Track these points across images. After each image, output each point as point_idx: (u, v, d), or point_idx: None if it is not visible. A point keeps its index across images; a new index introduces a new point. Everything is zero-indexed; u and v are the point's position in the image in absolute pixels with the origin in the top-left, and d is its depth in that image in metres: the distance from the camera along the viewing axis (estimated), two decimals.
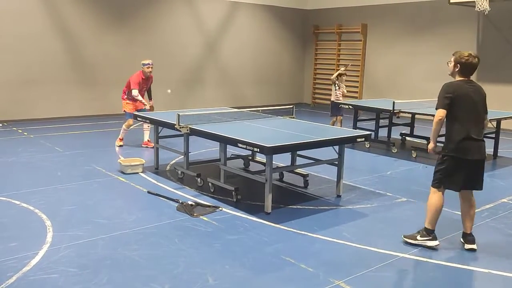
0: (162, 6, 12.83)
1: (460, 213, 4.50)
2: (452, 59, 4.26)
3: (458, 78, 4.27)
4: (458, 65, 4.21)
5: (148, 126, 8.66)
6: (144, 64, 8.45)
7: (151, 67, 8.46)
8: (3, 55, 10.59)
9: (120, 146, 8.62)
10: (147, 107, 8.45)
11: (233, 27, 14.37)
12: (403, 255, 4.23)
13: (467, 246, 4.39)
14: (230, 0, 14.16)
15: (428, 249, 4.34)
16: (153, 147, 8.32)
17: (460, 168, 4.20)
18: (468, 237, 4.42)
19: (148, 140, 8.72)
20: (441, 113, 4.17)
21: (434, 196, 4.36)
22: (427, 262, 4.13)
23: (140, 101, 8.40)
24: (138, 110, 8.43)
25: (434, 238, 4.38)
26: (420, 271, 4.02)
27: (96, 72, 11.93)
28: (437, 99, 4.25)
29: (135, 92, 8.30)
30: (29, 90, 11.05)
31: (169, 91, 10.47)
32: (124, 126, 8.63)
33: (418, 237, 4.41)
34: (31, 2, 10.85)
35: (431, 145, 4.37)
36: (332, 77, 9.94)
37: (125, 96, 8.53)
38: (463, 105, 4.16)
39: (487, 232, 4.83)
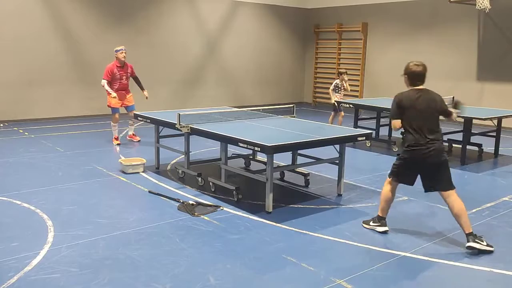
0: (163, 6, 12.83)
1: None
2: (403, 72, 4.55)
3: (409, 87, 4.54)
4: (406, 75, 4.52)
5: (133, 122, 8.95)
6: (117, 50, 8.48)
7: (125, 52, 8.47)
8: (3, 56, 10.60)
9: (118, 144, 8.66)
10: (113, 94, 8.36)
11: (233, 26, 14.37)
12: (404, 254, 4.23)
13: (466, 244, 4.32)
14: (230, 0, 14.15)
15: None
16: (138, 141, 8.93)
17: (407, 169, 4.54)
18: (467, 237, 4.35)
19: (133, 134, 9.01)
20: (395, 123, 4.52)
21: (386, 185, 4.74)
22: (428, 261, 4.13)
23: (107, 91, 8.38)
24: (127, 108, 8.74)
25: (384, 225, 4.74)
26: (421, 270, 4.01)
27: (96, 72, 11.88)
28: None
29: (102, 82, 8.38)
30: (30, 90, 11.06)
31: None
32: (112, 123, 8.69)
33: (371, 223, 4.81)
34: (31, 2, 10.85)
35: None
36: (330, 90, 10.28)
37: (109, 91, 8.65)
38: (412, 114, 4.41)
39: (488, 231, 4.82)
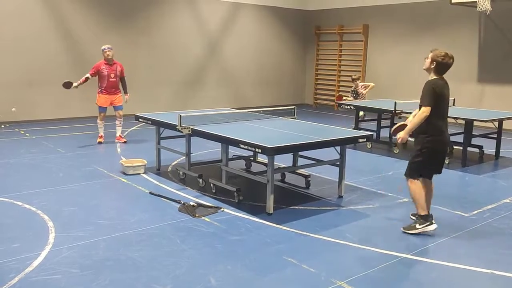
0: (164, 7, 12.84)
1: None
2: (430, 56, 4.52)
3: (432, 74, 4.54)
4: (435, 62, 4.47)
5: (120, 123, 9.00)
6: (103, 49, 8.67)
7: (109, 51, 8.62)
8: (4, 57, 10.61)
9: (100, 143, 8.78)
10: (75, 84, 8.52)
11: (235, 28, 14.38)
12: (405, 256, 4.23)
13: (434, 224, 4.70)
14: (231, 1, 14.16)
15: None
16: (125, 142, 8.98)
17: (435, 159, 4.63)
18: (431, 216, 4.75)
19: (120, 136, 9.07)
20: (428, 110, 4.43)
21: (415, 186, 4.67)
22: (429, 262, 4.13)
23: (79, 82, 8.58)
24: (115, 107, 8.85)
25: (432, 222, 4.66)
26: (422, 271, 4.01)
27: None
28: (423, 95, 4.50)
29: (86, 75, 8.63)
30: (31, 91, 11.07)
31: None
32: (98, 121, 8.84)
33: (417, 226, 4.66)
34: (32, 3, 10.87)
35: (405, 136, 4.62)
36: (349, 98, 10.50)
37: (99, 90, 8.76)
38: (442, 102, 4.50)
39: (489, 233, 4.82)
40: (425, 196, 4.74)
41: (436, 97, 4.45)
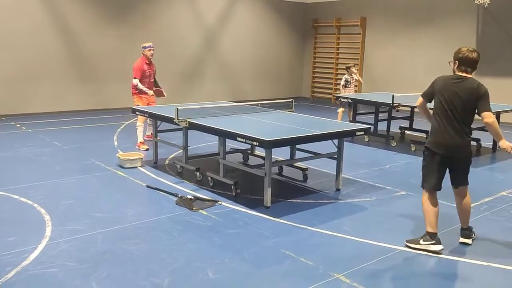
0: (161, 0, 12.77)
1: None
2: (452, 58, 4.21)
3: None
4: (457, 61, 4.16)
5: (152, 122, 8.11)
6: (145, 47, 7.92)
7: (153, 50, 7.93)
8: (1, 50, 10.54)
9: (147, 149, 7.73)
10: (150, 92, 7.84)
11: (232, 20, 14.32)
12: (402, 249, 4.24)
13: (460, 239, 4.41)
14: None
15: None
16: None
17: (435, 162, 4.28)
18: (462, 231, 4.43)
19: (151, 134, 8.15)
20: (419, 99, 4.38)
21: (423, 197, 4.40)
22: (426, 255, 4.13)
23: (141, 90, 7.78)
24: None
25: (438, 242, 4.22)
26: (419, 264, 4.02)
27: (94, 67, 11.88)
28: None
29: (134, 81, 7.75)
30: (28, 84, 11.01)
31: None
32: (138, 122, 7.89)
33: (421, 242, 4.25)
34: None
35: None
36: (341, 86, 10.38)
37: (137, 91, 7.91)
38: (439, 100, 4.18)
39: (486, 225, 4.84)
40: (458, 210, 4.44)
41: (432, 90, 4.24)
